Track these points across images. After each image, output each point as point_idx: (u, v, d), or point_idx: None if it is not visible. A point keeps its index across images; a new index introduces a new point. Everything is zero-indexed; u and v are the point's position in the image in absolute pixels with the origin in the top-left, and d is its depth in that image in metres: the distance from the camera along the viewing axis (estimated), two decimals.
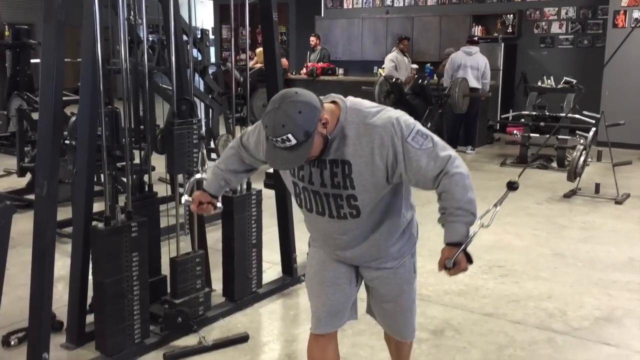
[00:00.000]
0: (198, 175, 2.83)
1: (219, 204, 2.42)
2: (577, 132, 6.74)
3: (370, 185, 1.99)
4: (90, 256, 3.06)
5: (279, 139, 1.84)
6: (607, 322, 3.55)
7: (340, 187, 2.02)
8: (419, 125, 2.00)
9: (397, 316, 2.36)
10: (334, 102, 2.01)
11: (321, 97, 1.98)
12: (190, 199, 2.44)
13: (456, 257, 1.96)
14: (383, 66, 9.92)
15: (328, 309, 2.28)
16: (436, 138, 2.01)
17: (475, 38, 9.35)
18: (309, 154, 1.90)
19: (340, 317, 2.31)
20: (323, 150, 1.96)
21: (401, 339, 2.49)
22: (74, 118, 4.90)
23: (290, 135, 1.83)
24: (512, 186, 2.23)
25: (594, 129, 6.77)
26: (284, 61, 10.04)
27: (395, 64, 9.52)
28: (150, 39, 5.58)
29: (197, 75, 6.33)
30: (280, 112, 1.84)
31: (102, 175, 3.22)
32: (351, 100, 2.04)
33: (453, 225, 2.01)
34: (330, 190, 2.04)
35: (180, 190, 3.56)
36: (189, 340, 3.24)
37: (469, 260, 2.00)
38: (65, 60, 2.82)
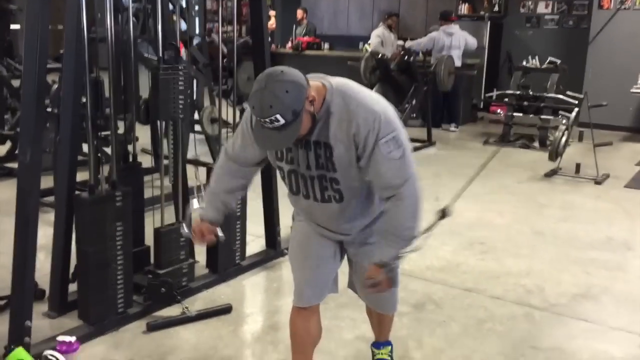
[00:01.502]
0: (196, 206, 2.71)
1: (221, 234, 2.31)
2: (560, 112, 6.79)
3: (349, 168, 2.00)
4: (74, 225, 3.05)
5: (267, 119, 1.82)
6: (584, 298, 3.62)
7: (324, 168, 2.03)
8: (398, 131, 1.97)
9: None
10: (320, 81, 2.00)
11: (307, 76, 1.96)
12: (189, 233, 2.35)
13: (381, 277, 2.09)
14: (369, 42, 9.85)
15: (311, 282, 2.30)
16: (407, 151, 1.99)
17: (452, 15, 9.16)
18: (298, 132, 1.88)
19: (323, 290, 2.33)
20: (312, 128, 1.96)
21: (383, 312, 2.52)
22: (55, 86, 4.83)
23: (278, 116, 1.81)
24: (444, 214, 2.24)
25: (576, 109, 6.83)
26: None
27: (381, 40, 9.46)
28: (134, 6, 5.48)
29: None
30: (267, 92, 1.81)
31: (84, 145, 3.17)
32: (337, 81, 2.01)
33: (385, 248, 2.10)
34: (315, 172, 2.04)
35: (165, 161, 3.55)
36: (172, 311, 3.26)
37: (394, 283, 2.18)
38: None
